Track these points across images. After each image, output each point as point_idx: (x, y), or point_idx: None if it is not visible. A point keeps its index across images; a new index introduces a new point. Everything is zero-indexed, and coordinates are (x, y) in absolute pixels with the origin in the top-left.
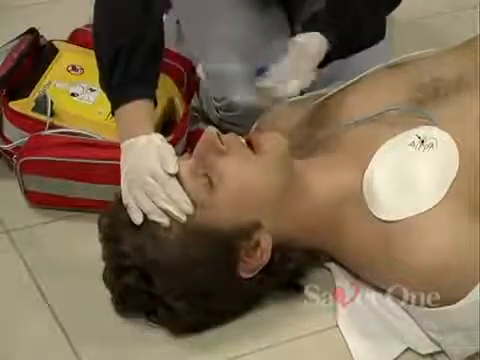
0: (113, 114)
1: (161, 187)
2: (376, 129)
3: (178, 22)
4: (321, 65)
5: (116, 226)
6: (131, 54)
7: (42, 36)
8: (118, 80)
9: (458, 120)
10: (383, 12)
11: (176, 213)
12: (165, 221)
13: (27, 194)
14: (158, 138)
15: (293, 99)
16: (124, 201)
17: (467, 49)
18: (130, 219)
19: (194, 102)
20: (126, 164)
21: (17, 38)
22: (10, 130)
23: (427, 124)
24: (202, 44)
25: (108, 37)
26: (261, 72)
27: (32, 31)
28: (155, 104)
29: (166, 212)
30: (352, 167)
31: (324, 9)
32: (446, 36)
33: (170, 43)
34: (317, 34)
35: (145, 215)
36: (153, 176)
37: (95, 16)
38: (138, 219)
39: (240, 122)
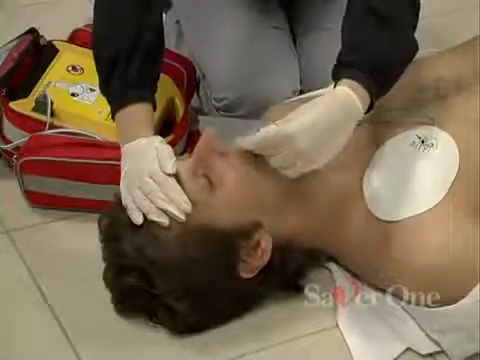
0: (113, 118)
1: (159, 187)
2: (376, 129)
3: (178, 22)
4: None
5: (116, 226)
6: (130, 57)
7: (42, 36)
8: (117, 84)
9: (458, 120)
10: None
11: (175, 212)
12: (164, 220)
13: (27, 194)
14: (157, 140)
15: (294, 99)
16: (123, 202)
17: (467, 49)
18: (130, 219)
19: (194, 102)
20: (125, 166)
21: (17, 38)
22: (10, 130)
23: (427, 124)
24: (202, 44)
25: (107, 39)
26: None
27: (32, 31)
28: (154, 107)
29: (165, 212)
30: (352, 167)
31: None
32: (445, 36)
33: (170, 43)
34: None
35: (145, 215)
36: (151, 176)
37: (94, 16)
38: (138, 219)
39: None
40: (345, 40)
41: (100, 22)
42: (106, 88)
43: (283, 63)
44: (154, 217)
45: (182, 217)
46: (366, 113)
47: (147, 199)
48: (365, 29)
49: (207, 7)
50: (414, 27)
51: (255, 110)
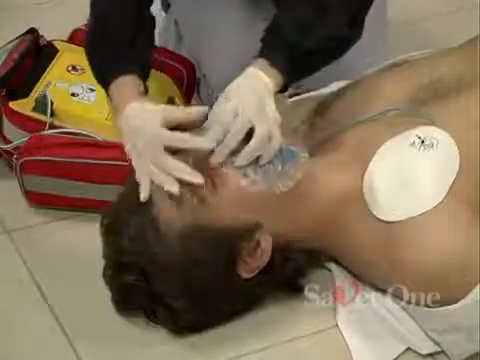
0: (108, 95)
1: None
2: (376, 129)
3: (177, 23)
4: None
5: (117, 222)
6: (117, 43)
7: (42, 36)
8: (101, 62)
9: (458, 120)
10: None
11: (193, 179)
12: (175, 188)
13: (27, 194)
14: (150, 104)
15: (293, 100)
16: (137, 176)
17: (467, 49)
18: (131, 217)
19: (194, 101)
20: (130, 136)
21: (17, 38)
22: (10, 130)
23: (427, 124)
24: (200, 44)
25: (98, 41)
26: None
27: (32, 31)
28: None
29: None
30: (352, 167)
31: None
32: (444, 36)
33: (169, 44)
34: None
35: (145, 215)
36: (163, 145)
37: (88, 26)
38: (145, 194)
39: None
40: (274, 20)
41: (93, 31)
42: (95, 70)
43: None
44: (168, 186)
45: (201, 180)
46: (281, 92)
47: (161, 171)
48: (293, 14)
49: (204, 7)
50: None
51: None
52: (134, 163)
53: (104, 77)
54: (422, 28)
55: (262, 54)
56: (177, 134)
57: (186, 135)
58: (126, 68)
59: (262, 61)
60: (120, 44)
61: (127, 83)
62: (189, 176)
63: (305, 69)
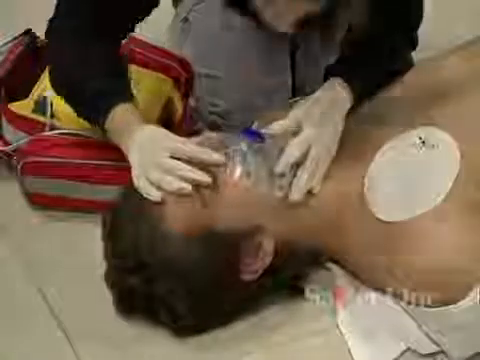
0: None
1: (181, 162)
2: (377, 130)
3: (182, 21)
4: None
5: (119, 224)
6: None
7: (38, 37)
8: (89, 97)
9: (459, 121)
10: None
11: (202, 178)
12: (187, 186)
13: (27, 195)
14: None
15: (292, 100)
16: (136, 183)
17: (468, 50)
18: (133, 219)
19: (191, 102)
20: (136, 156)
21: (13, 40)
22: (9, 132)
23: (428, 125)
24: (206, 52)
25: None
26: (252, 135)
27: (28, 32)
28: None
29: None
30: (353, 168)
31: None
32: (446, 37)
33: (175, 40)
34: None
35: (147, 217)
36: (171, 155)
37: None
38: (156, 196)
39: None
40: (345, 51)
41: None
42: (84, 111)
43: (276, 81)
44: (176, 185)
45: (209, 179)
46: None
47: (167, 175)
48: (364, 49)
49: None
50: (414, 47)
51: (247, 120)
52: (135, 175)
53: (97, 110)
54: (423, 30)
55: (339, 73)
56: (197, 147)
57: (205, 148)
58: (119, 98)
59: (339, 79)
60: (105, 76)
61: (123, 112)
62: (197, 175)
63: (366, 98)
